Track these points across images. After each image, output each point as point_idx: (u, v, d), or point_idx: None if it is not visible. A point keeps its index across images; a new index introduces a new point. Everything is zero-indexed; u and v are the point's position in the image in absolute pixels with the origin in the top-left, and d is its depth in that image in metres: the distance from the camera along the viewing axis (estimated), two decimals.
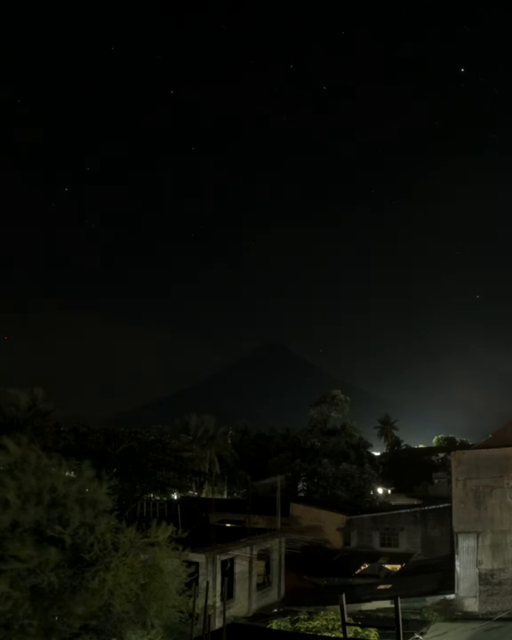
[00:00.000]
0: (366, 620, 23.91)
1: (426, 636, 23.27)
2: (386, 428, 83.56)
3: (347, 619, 12.54)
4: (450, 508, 29.31)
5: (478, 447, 31.07)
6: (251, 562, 28.41)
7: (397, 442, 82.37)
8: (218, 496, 52.17)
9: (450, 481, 30.45)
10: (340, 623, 16.56)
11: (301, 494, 52.44)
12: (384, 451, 78.71)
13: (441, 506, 37.49)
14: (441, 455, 69.32)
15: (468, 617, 26.30)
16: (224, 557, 26.06)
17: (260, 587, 29.75)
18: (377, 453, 67.54)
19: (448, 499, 30.68)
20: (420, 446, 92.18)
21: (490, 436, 31.38)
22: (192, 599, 14.21)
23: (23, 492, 11.98)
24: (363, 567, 36.53)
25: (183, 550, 14.61)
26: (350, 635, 18.19)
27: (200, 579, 22.61)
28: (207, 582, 18.68)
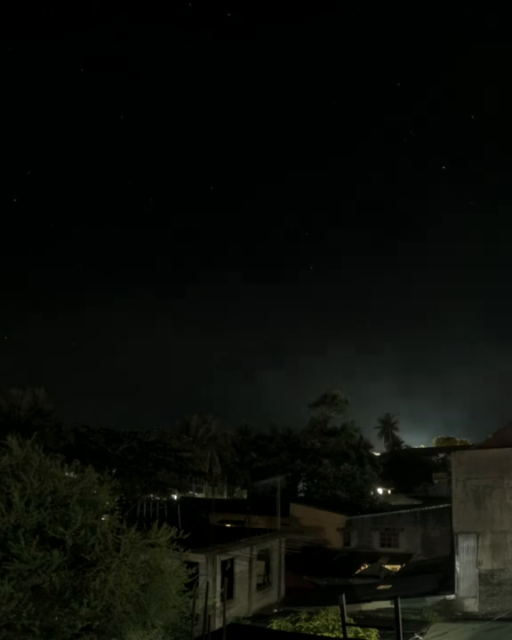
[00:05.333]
0: (366, 620, 23.93)
1: (426, 637, 23.30)
2: (386, 428, 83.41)
3: (347, 619, 12.59)
4: (450, 509, 29.33)
5: (478, 447, 31.10)
6: (251, 562, 28.43)
7: (397, 442, 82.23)
8: (218, 496, 52.21)
9: (450, 481, 30.47)
10: (340, 623, 16.61)
11: (301, 495, 52.42)
12: (384, 451, 78.58)
13: (441, 506, 37.51)
14: (441, 455, 69.14)
15: (467, 617, 26.34)
16: (224, 558, 26.06)
17: (260, 587, 29.75)
18: (377, 453, 67.48)
19: (448, 499, 30.69)
20: (420, 446, 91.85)
21: (490, 436, 31.41)
22: (192, 599, 14.23)
23: (26, 494, 12.03)
24: (363, 567, 36.55)
25: (183, 551, 14.64)
26: (350, 635, 18.22)
27: (200, 579, 22.59)
28: (207, 583, 18.67)
